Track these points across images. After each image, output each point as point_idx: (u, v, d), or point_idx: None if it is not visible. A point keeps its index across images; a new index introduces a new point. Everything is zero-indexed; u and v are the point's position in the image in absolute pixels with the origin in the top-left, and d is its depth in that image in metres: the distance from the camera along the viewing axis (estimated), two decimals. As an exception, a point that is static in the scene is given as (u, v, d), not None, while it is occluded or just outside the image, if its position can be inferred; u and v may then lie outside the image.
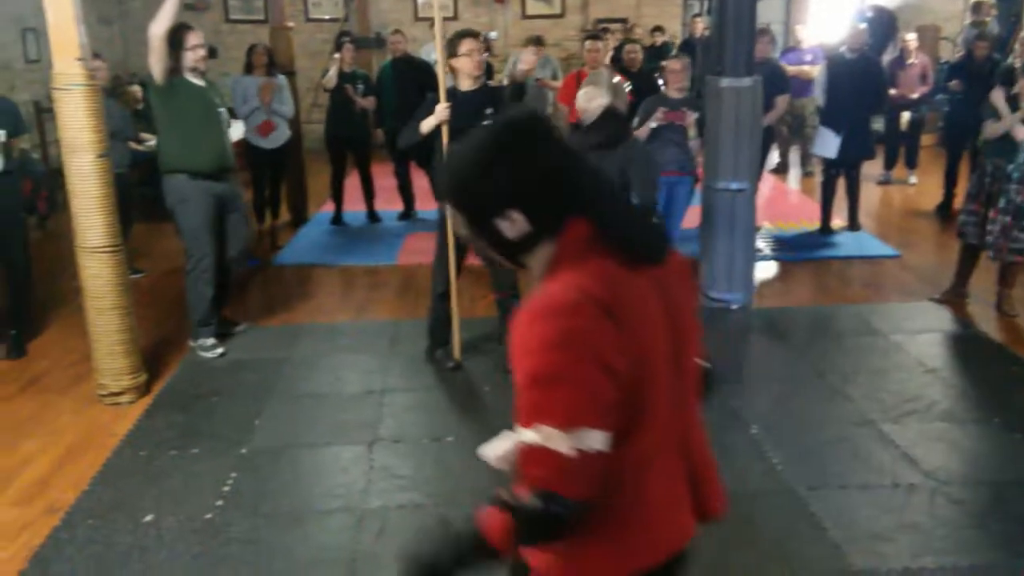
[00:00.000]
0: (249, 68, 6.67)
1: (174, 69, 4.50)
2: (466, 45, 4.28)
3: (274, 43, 7.33)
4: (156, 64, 4.41)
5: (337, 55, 7.15)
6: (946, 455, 3.69)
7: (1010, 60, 7.42)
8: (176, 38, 4.50)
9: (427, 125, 4.21)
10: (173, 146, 4.59)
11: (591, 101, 4.24)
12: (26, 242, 5.13)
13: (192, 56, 4.56)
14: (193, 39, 4.56)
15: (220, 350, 4.75)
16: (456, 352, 4.58)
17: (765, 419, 4.01)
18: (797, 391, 4.36)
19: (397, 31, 8.15)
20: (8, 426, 4.02)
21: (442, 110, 4.14)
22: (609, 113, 4.22)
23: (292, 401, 4.27)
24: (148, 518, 3.25)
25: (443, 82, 4.22)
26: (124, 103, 7.54)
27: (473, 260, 4.47)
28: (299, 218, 7.58)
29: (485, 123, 1.49)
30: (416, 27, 10.51)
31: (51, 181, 7.45)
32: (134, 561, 3.01)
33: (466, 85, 4.36)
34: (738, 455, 3.78)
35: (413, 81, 6.96)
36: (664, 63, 5.64)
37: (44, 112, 8.98)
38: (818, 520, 3.23)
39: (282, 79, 6.94)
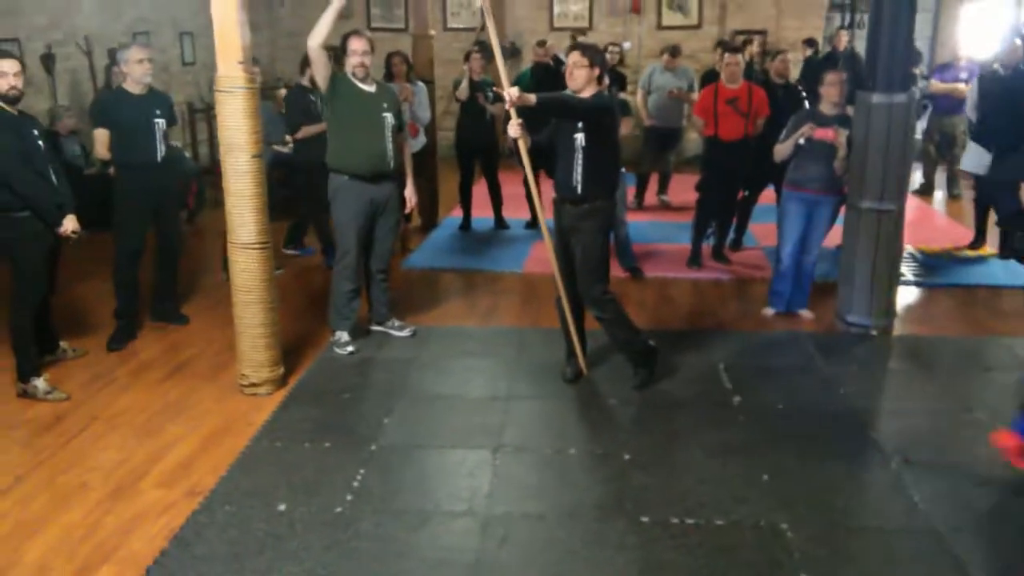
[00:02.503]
0: (389, 75, 6.86)
1: (334, 75, 4.68)
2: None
3: (415, 51, 7.51)
4: (317, 74, 4.64)
5: (466, 66, 7.26)
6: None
7: None
8: (342, 46, 4.72)
9: (510, 133, 4.09)
10: (336, 147, 4.79)
11: None
12: (180, 227, 5.44)
13: (354, 61, 4.72)
14: (355, 44, 4.74)
15: (352, 348, 4.89)
16: (581, 363, 4.56)
17: (906, 453, 3.80)
18: (941, 425, 4.12)
19: (543, 41, 8.22)
20: (156, 410, 4.25)
21: (515, 126, 4.03)
22: None
23: (420, 402, 4.35)
24: (282, 507, 3.36)
25: (505, 78, 4.08)
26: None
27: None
28: (429, 222, 7.73)
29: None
30: (551, 36, 10.54)
31: (200, 179, 7.92)
32: (268, 548, 3.12)
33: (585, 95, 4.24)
34: (877, 490, 3.62)
35: (551, 89, 6.97)
36: (822, 75, 5.44)
37: (196, 112, 9.51)
38: (962, 564, 3.04)
39: (421, 86, 7.11)
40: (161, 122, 5.03)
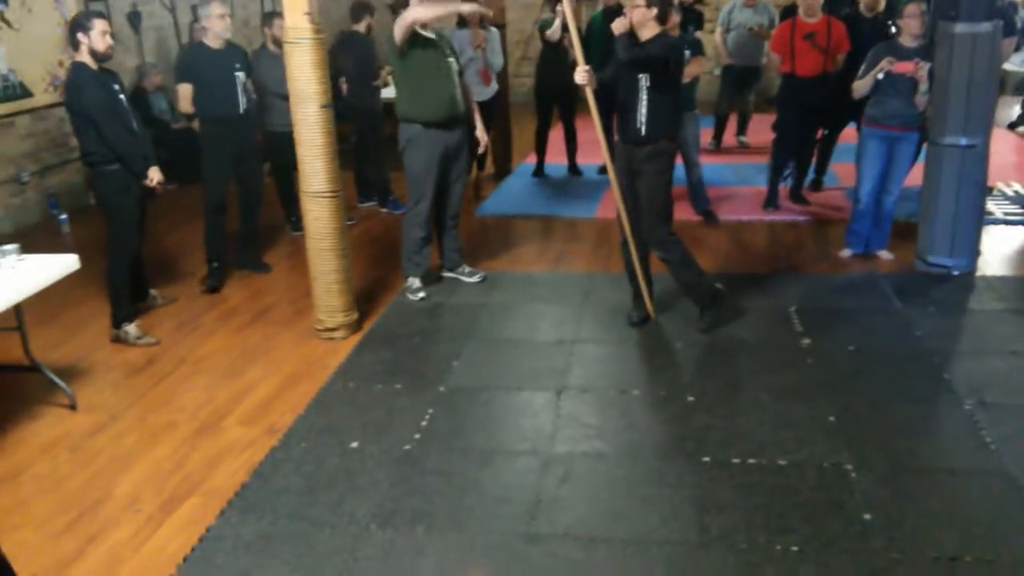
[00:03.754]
0: (462, 22, 6.87)
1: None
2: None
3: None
4: (400, 34, 4.64)
5: (560, 7, 7.18)
6: None
7: None
8: None
9: (578, 80, 4.11)
10: (406, 97, 4.85)
11: None
12: (261, 178, 5.64)
13: (420, 12, 4.75)
14: None
15: (423, 294, 5.02)
16: (647, 306, 4.57)
17: (981, 394, 3.71)
18: (1020, 367, 3.99)
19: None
20: (239, 353, 4.47)
21: (581, 72, 4.06)
22: None
23: (488, 345, 4.45)
24: (354, 444, 3.52)
25: (578, 47, 4.14)
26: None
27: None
28: (503, 170, 7.77)
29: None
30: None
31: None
32: (340, 482, 3.28)
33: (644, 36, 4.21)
34: (948, 431, 3.56)
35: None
36: (902, 7, 5.21)
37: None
38: (1034, 506, 2.98)
39: (494, 31, 7.09)
40: (241, 75, 5.19)
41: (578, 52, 4.14)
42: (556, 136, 7.63)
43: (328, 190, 4.40)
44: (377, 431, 3.62)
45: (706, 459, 3.32)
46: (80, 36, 4.28)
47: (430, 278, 5.18)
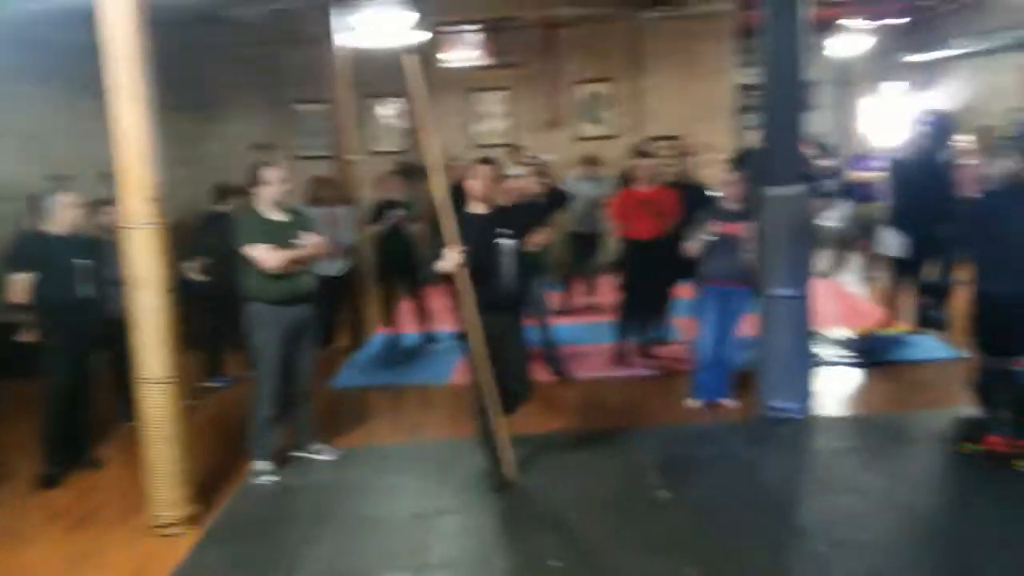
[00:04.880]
0: (313, 200, 7.00)
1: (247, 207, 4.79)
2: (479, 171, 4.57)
3: (339, 175, 7.68)
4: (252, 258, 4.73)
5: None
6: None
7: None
8: (259, 175, 4.80)
9: (443, 268, 4.32)
10: (251, 276, 4.79)
11: (1005, 167, 4.45)
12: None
13: (274, 191, 4.80)
14: (274, 174, 4.82)
15: (275, 477, 4.79)
16: (508, 471, 4.51)
17: (830, 534, 3.81)
18: (867, 505, 4.14)
19: (454, 159, 8.44)
20: (64, 561, 4.06)
21: (453, 256, 4.25)
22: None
23: (344, 527, 4.24)
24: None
25: (448, 225, 4.32)
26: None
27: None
28: (357, 342, 7.70)
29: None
30: (473, 154, 10.85)
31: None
32: None
33: (479, 208, 4.50)
34: (802, 574, 3.59)
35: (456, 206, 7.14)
36: (726, 175, 5.70)
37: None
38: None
39: (344, 210, 7.24)
40: (83, 262, 5.02)
41: (448, 230, 4.27)
42: (411, 305, 7.69)
43: (166, 376, 4.21)
44: (219, 634, 3.32)
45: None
46: None
47: (280, 459, 4.95)
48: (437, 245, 4.44)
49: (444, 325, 7.68)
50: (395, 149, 11.71)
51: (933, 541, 3.79)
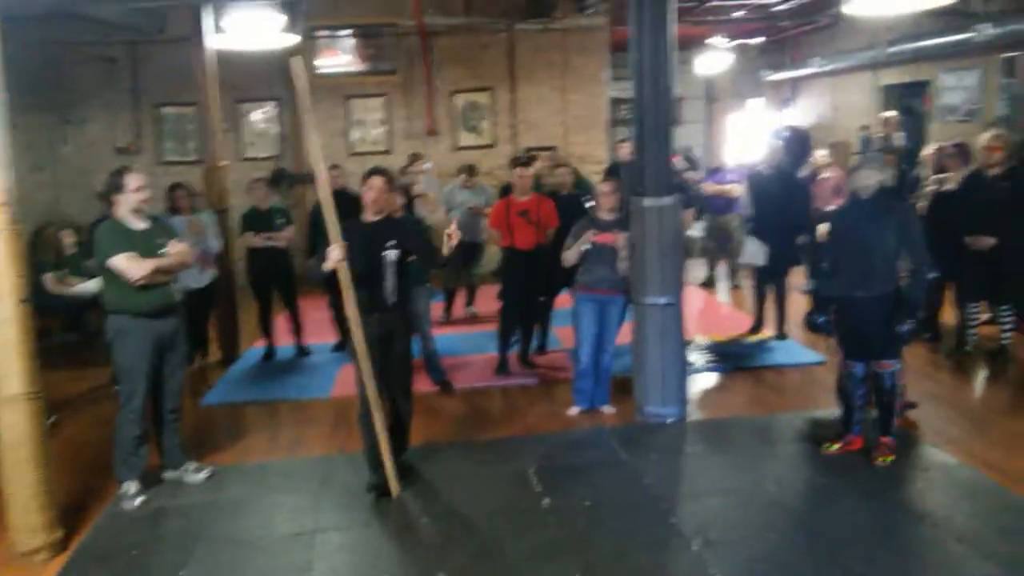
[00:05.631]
0: (174, 209, 6.73)
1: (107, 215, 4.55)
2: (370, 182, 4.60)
3: (208, 182, 7.41)
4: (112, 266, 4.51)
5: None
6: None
7: (916, 172, 7.86)
8: (117, 181, 4.56)
9: (327, 267, 4.27)
10: (115, 287, 4.56)
11: (869, 179, 4.67)
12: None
13: (135, 198, 4.57)
14: (135, 181, 4.59)
15: (142, 498, 4.57)
16: (391, 481, 4.47)
17: (706, 533, 3.95)
18: (736, 503, 4.33)
19: (335, 166, 8.28)
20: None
21: (336, 252, 4.23)
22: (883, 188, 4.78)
23: (219, 549, 4.08)
24: None
25: (332, 223, 4.26)
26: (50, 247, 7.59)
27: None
28: (230, 356, 7.45)
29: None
30: (351, 161, 10.70)
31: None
32: None
33: (368, 217, 4.57)
34: (681, 573, 3.71)
35: (348, 214, 7.03)
36: (600, 185, 5.85)
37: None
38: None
39: (207, 216, 6.99)
40: None
41: (332, 228, 4.21)
42: (284, 318, 7.51)
43: (26, 392, 3.96)
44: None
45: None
46: None
47: (149, 480, 4.73)
48: (319, 247, 4.41)
49: (319, 337, 7.57)
50: (267, 155, 11.43)
51: (801, 532, 3.99)
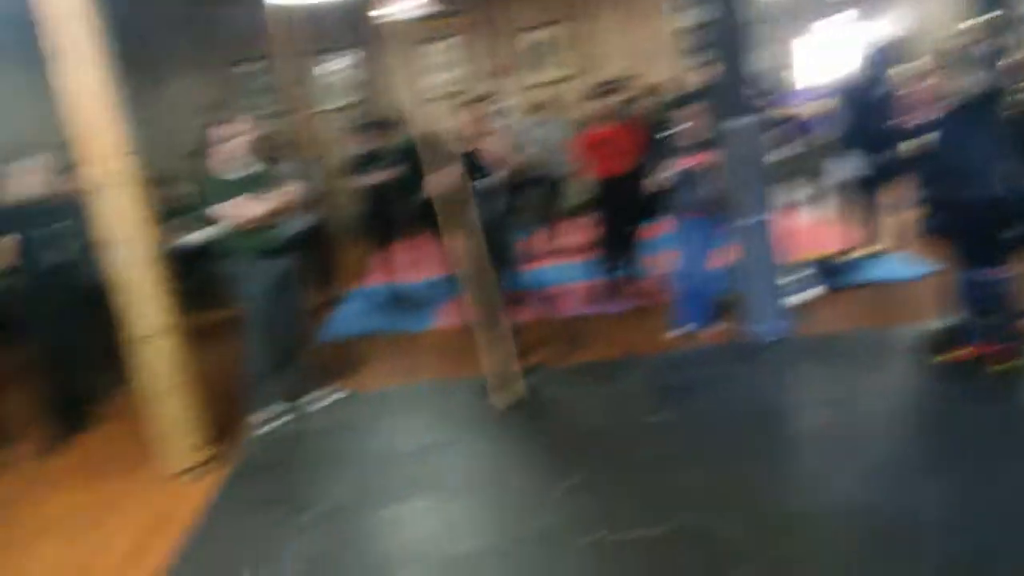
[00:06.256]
0: (265, 159, 6.98)
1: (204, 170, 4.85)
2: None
3: (296, 132, 7.66)
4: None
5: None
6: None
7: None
8: (211, 135, 4.80)
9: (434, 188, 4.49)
10: (228, 233, 4.84)
11: (967, 84, 4.68)
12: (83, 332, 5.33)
13: (229, 149, 4.81)
14: (227, 132, 4.82)
15: (276, 423, 4.90)
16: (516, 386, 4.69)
17: (822, 446, 4.05)
18: (850, 413, 4.39)
19: (420, 106, 8.48)
20: (90, 509, 4.17)
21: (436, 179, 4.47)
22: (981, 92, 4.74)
23: (355, 464, 4.40)
24: (239, 581, 3.34)
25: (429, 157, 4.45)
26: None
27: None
28: (336, 295, 7.76)
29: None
30: (427, 105, 10.84)
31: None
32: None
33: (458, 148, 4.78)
34: (797, 479, 3.84)
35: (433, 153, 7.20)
36: (681, 111, 5.87)
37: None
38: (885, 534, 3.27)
39: (296, 165, 7.22)
40: (63, 225, 5.01)
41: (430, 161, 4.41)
42: (391, 255, 7.77)
43: (164, 328, 4.26)
44: (263, 565, 3.47)
45: (585, 540, 3.42)
46: None
47: (282, 407, 5.05)
48: (412, 183, 4.59)
49: (423, 273, 7.83)
50: (347, 103, 11.66)
51: (918, 439, 4.06)
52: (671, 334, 5.84)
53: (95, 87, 4.01)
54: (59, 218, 5.04)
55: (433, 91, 11.71)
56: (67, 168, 5.68)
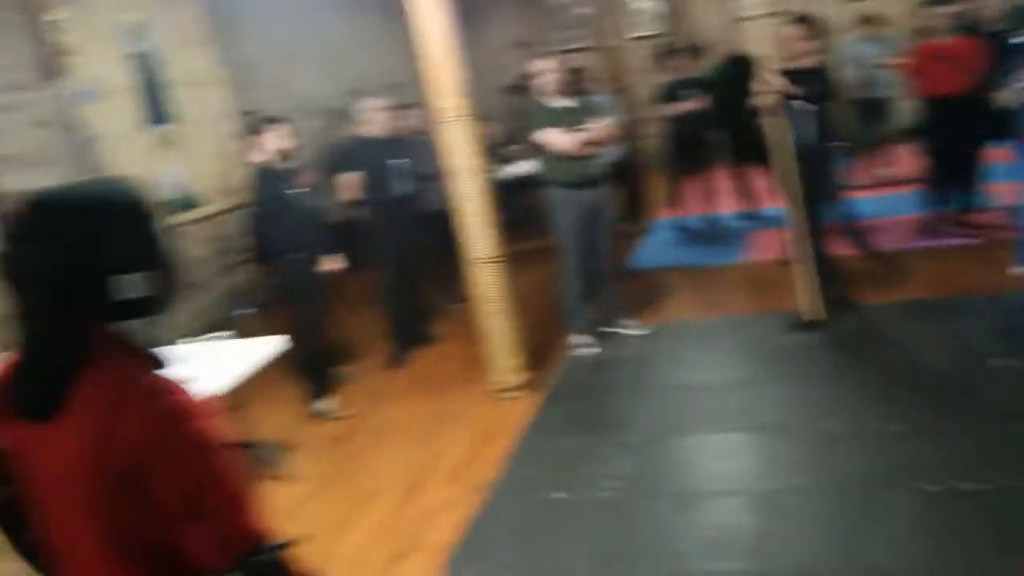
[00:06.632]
0: (576, 91, 7.11)
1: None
2: None
3: (604, 63, 7.73)
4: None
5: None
6: None
7: None
8: (533, 67, 5.01)
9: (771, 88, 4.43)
10: (545, 161, 5.08)
11: None
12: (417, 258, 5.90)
13: (547, 80, 4.98)
14: (543, 64, 5.00)
15: (593, 349, 5.11)
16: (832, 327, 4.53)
17: None
18: None
19: (718, 34, 8.22)
20: (426, 419, 4.66)
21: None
22: None
23: (668, 393, 4.48)
24: (559, 495, 3.60)
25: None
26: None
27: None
28: (641, 226, 7.86)
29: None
30: (737, 28, 10.42)
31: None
32: (551, 533, 3.36)
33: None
34: None
35: (739, 78, 6.92)
36: None
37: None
38: None
39: (605, 97, 7.28)
40: (398, 162, 5.49)
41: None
42: (693, 188, 7.71)
43: (495, 255, 4.58)
44: (578, 481, 3.69)
45: (917, 487, 3.22)
46: (258, 139, 4.66)
47: (594, 333, 5.26)
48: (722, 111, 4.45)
49: (735, 205, 7.68)
50: (651, 33, 11.54)
51: None
52: (1014, 272, 5.23)
53: (441, 32, 4.34)
54: (398, 154, 5.54)
55: (747, 11, 11.21)
56: (404, 107, 6.25)
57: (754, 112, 5.61)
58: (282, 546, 1.36)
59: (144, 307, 1.32)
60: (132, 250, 1.30)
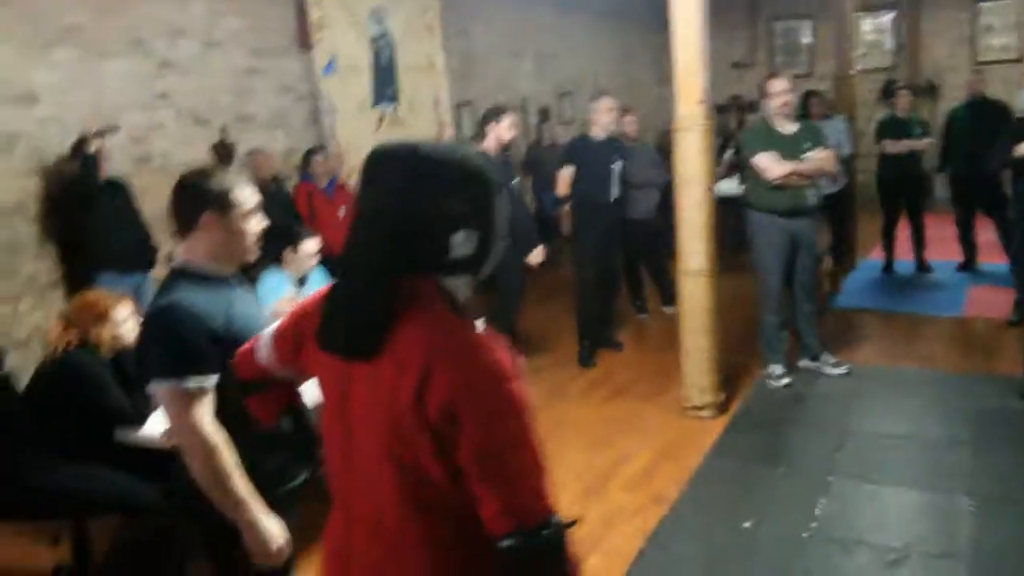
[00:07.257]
0: (806, 115, 6.84)
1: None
2: None
3: (838, 90, 7.43)
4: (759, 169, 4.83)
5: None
6: None
7: None
8: (762, 87, 4.87)
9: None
10: (753, 187, 4.93)
11: None
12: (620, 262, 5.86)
13: (778, 102, 4.81)
14: (779, 86, 4.83)
15: (787, 380, 4.90)
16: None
17: None
18: None
19: (976, 72, 7.69)
20: (608, 423, 4.61)
21: None
22: None
23: (868, 439, 4.22)
24: (746, 524, 3.45)
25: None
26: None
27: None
28: (848, 264, 7.48)
29: None
30: (975, 71, 9.75)
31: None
32: (735, 561, 3.23)
33: None
34: None
35: (991, 124, 6.44)
36: None
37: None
38: None
39: (841, 122, 6.97)
40: (617, 166, 5.48)
41: None
42: (903, 232, 7.27)
43: (705, 270, 4.48)
44: (768, 513, 3.54)
45: None
46: (489, 127, 4.78)
47: (790, 365, 5.04)
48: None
49: (941, 255, 7.19)
50: (878, 66, 10.98)
51: None
52: None
53: (697, 39, 4.28)
54: (618, 157, 5.51)
55: (991, 55, 10.47)
56: (624, 111, 6.22)
57: (1004, 162, 5.23)
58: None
59: (468, 265, 1.36)
60: (473, 211, 1.34)
